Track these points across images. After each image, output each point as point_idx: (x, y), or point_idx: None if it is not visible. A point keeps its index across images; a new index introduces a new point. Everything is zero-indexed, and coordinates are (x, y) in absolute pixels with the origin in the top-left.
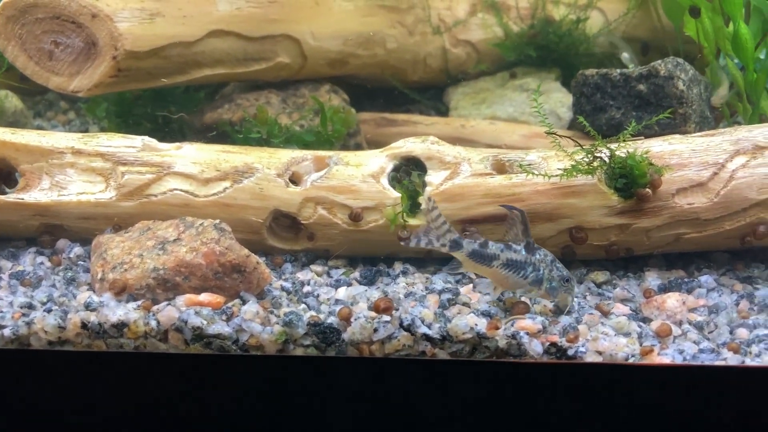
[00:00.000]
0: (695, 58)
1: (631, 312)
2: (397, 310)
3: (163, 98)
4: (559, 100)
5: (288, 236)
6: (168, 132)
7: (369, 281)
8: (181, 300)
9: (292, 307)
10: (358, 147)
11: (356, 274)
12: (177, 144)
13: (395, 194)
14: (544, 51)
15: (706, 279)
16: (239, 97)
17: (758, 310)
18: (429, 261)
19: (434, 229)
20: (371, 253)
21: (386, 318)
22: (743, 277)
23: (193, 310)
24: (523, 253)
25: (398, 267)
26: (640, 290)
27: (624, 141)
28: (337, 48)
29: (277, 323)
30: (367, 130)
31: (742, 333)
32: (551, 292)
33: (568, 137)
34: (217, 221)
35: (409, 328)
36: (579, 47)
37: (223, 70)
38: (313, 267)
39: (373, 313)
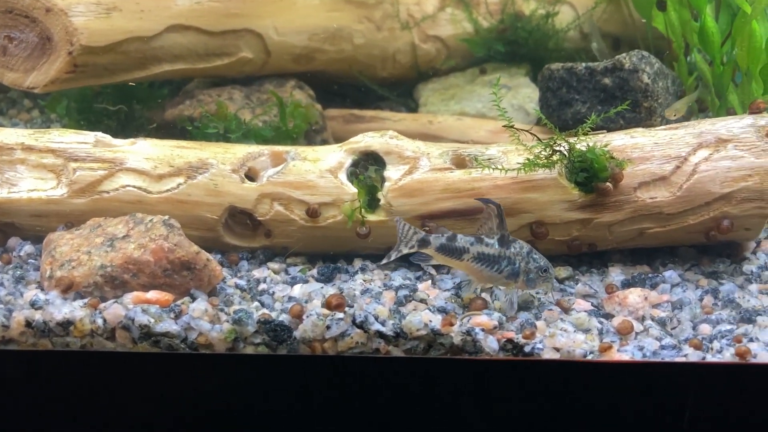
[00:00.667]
0: (665, 53)
1: (593, 308)
2: (351, 307)
3: (125, 94)
4: (528, 95)
5: (245, 233)
6: (131, 128)
7: (326, 278)
8: (129, 298)
9: (245, 305)
10: (324, 143)
11: (314, 271)
12: (131, 140)
13: (353, 190)
14: (513, 46)
15: (671, 274)
16: (201, 93)
17: (722, 306)
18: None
19: (401, 237)
20: (331, 250)
21: (339, 315)
22: (709, 272)
23: (141, 307)
24: (497, 246)
25: (358, 264)
26: (603, 286)
27: (584, 134)
28: (303, 43)
29: (227, 321)
30: (335, 127)
31: (705, 329)
32: (529, 284)
33: (527, 131)
34: (166, 217)
35: (362, 325)
36: (548, 42)
37: (183, 65)
38: (271, 264)
39: (325, 311)
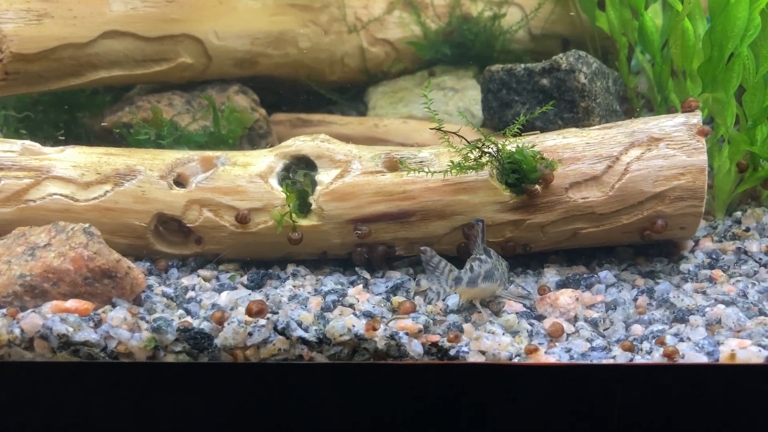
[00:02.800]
0: (610, 53)
1: (525, 310)
2: (276, 313)
3: (64, 102)
4: (474, 97)
5: (177, 241)
6: (72, 137)
7: (256, 285)
8: (48, 307)
9: (167, 313)
10: None
11: (245, 278)
12: (60, 147)
13: (284, 194)
14: (461, 49)
15: (606, 275)
16: (140, 99)
17: (657, 306)
18: (324, 263)
19: (438, 275)
20: (265, 257)
21: (261, 322)
22: (645, 271)
23: (59, 317)
24: (489, 259)
25: (291, 270)
26: (537, 287)
27: (514, 135)
28: (245, 47)
29: (147, 329)
30: (283, 131)
31: (637, 329)
32: (507, 282)
33: (455, 133)
34: (87, 225)
35: (284, 332)
36: (496, 44)
37: (120, 71)
38: (202, 272)
39: (248, 318)
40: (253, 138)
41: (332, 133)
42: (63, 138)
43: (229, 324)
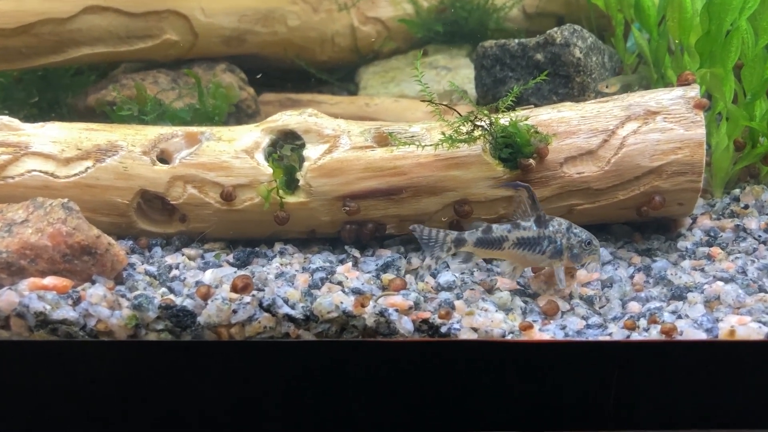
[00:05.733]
0: (606, 30)
1: (519, 287)
2: (261, 290)
3: (48, 81)
4: (467, 76)
5: (161, 219)
6: (56, 115)
7: (242, 263)
8: (25, 284)
9: (150, 291)
10: None
11: (231, 256)
12: (40, 123)
13: (271, 170)
14: (453, 27)
15: (602, 252)
16: (125, 77)
17: (654, 283)
18: (313, 241)
19: (432, 244)
20: (252, 235)
21: (246, 299)
22: (642, 249)
23: (37, 294)
24: (534, 228)
25: (278, 248)
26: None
27: (505, 109)
28: (232, 25)
29: (128, 307)
30: (272, 111)
31: (634, 306)
32: (574, 259)
33: (447, 105)
34: (65, 200)
35: (269, 309)
36: (489, 22)
37: (104, 48)
38: (187, 251)
39: (232, 295)
40: (241, 117)
41: (322, 112)
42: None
43: (213, 301)
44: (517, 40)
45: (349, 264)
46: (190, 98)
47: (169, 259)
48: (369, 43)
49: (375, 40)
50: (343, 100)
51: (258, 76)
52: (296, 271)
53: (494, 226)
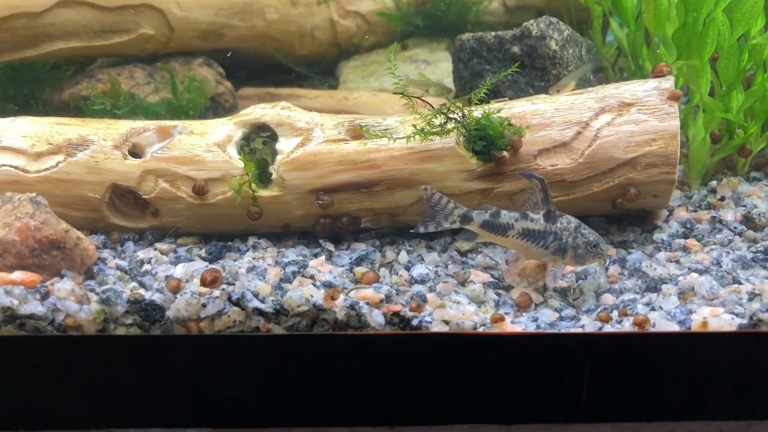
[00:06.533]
0: (586, 24)
1: (493, 280)
2: (232, 284)
3: (23, 76)
4: (446, 69)
5: (134, 213)
6: (32, 111)
7: (214, 257)
8: None
9: (120, 286)
10: None
11: (203, 251)
12: (11, 118)
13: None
14: (433, 20)
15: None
16: (101, 72)
17: (629, 275)
18: (288, 235)
19: (439, 210)
20: (226, 230)
21: (216, 293)
22: (618, 241)
23: (4, 289)
24: (542, 222)
25: (252, 242)
26: (506, 257)
27: (478, 101)
28: (209, 18)
29: (96, 302)
30: (250, 106)
31: (608, 299)
32: (577, 259)
33: (419, 98)
34: (34, 194)
35: (238, 303)
36: (468, 15)
37: (78, 43)
38: (159, 245)
39: (202, 289)
40: (219, 112)
41: (301, 106)
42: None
43: (182, 295)
44: (493, 33)
45: (323, 258)
46: (166, 92)
47: (141, 254)
48: (349, 36)
49: (355, 34)
50: (321, 94)
51: (228, 54)
52: (268, 265)
53: (503, 212)
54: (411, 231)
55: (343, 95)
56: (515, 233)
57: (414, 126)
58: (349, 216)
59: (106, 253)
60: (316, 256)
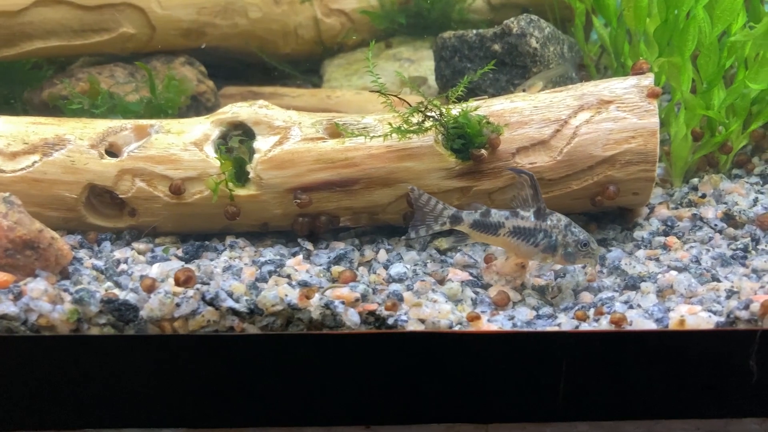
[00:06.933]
0: (569, 21)
1: (472, 278)
2: (207, 284)
3: (3, 76)
4: (430, 68)
5: (111, 213)
6: (11, 111)
7: (191, 257)
8: None
9: (95, 285)
10: None
11: (180, 250)
12: None
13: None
14: (417, 19)
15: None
16: (81, 71)
17: (608, 273)
18: (267, 235)
19: (428, 212)
20: (204, 229)
21: (190, 292)
22: (598, 239)
23: None
24: (532, 219)
25: (229, 241)
26: (485, 255)
27: (456, 99)
28: (190, 17)
29: (70, 302)
30: None
31: (586, 297)
32: (568, 258)
33: (396, 96)
34: (7, 194)
35: (212, 302)
36: (452, 13)
37: (58, 42)
38: (137, 245)
39: (177, 288)
40: (201, 111)
41: (284, 105)
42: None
43: (155, 295)
44: (475, 31)
45: (300, 257)
46: (146, 92)
47: (118, 254)
48: (333, 35)
49: (339, 32)
50: (304, 92)
51: (202, 46)
52: (245, 264)
53: (493, 210)
54: (402, 238)
55: (325, 94)
56: (506, 232)
57: (390, 124)
58: (328, 215)
59: (82, 253)
60: (294, 255)
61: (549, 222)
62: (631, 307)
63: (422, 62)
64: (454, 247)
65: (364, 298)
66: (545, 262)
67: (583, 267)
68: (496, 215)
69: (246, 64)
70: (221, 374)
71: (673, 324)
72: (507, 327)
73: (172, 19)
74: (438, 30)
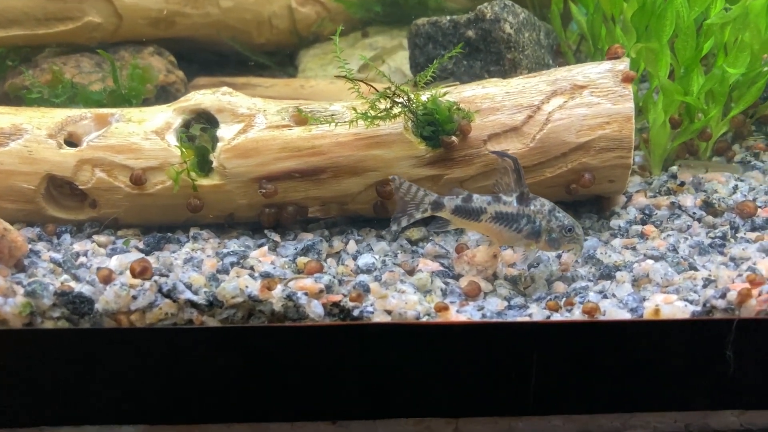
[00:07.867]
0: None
1: (443, 269)
2: (166, 276)
3: None
4: (406, 57)
5: (72, 205)
6: None
7: (152, 248)
8: None
9: (51, 278)
10: None
11: (141, 242)
12: None
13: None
14: (393, 7)
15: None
16: (45, 62)
17: (582, 262)
18: (233, 226)
19: (409, 200)
20: (167, 221)
21: (147, 284)
22: None
23: None
24: (515, 204)
25: (193, 233)
26: (456, 245)
27: (424, 84)
28: (159, 6)
29: (22, 295)
30: None
31: (559, 287)
32: (552, 243)
33: (363, 81)
34: None
35: (169, 294)
36: (429, 1)
37: (20, 31)
38: (98, 237)
39: (133, 280)
40: (170, 101)
41: (257, 95)
42: None
43: (111, 287)
44: (448, 17)
45: (266, 248)
46: (112, 82)
47: (78, 247)
48: (308, 24)
49: (314, 22)
50: (278, 82)
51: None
52: (207, 256)
53: (475, 195)
54: (384, 232)
55: (299, 83)
56: (488, 217)
57: (354, 110)
58: (296, 205)
59: (40, 246)
60: (260, 246)
61: (532, 207)
62: (605, 296)
63: (399, 51)
64: (426, 237)
65: (329, 289)
66: (529, 249)
67: (568, 252)
68: (478, 200)
69: (220, 55)
70: (180, 369)
71: (647, 314)
72: (476, 317)
73: (140, 8)
74: (415, 18)
